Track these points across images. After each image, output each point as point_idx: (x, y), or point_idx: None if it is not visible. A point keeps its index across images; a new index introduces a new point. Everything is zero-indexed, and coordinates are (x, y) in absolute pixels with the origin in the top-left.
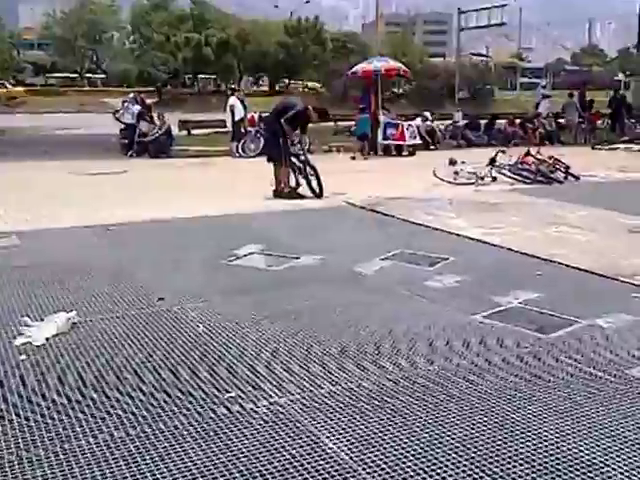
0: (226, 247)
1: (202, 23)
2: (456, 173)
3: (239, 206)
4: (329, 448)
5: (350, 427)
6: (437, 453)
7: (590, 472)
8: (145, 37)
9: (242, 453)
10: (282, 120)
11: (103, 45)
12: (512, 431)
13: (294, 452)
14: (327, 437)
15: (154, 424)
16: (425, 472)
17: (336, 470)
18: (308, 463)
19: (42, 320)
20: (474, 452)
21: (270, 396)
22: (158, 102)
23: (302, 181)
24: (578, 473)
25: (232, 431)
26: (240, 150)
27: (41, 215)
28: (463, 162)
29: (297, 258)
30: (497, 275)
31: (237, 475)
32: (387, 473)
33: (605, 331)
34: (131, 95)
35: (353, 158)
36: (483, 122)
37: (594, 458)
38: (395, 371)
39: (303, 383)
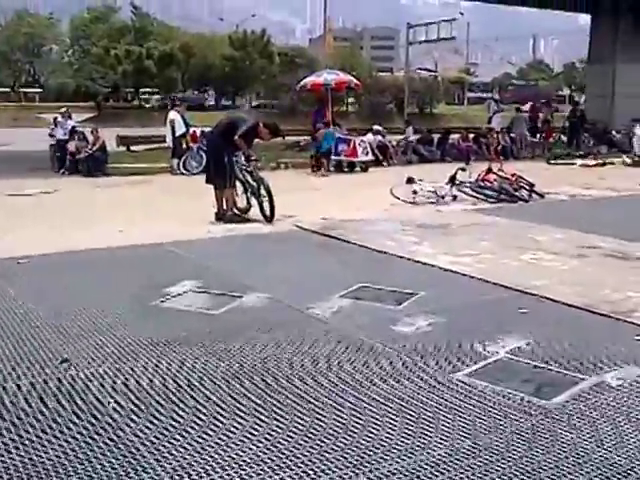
0: (157, 284)
1: (144, 36)
2: (415, 192)
3: (176, 232)
4: None
5: None
6: None
7: None
8: (85, 50)
9: None
10: (236, 137)
11: (41, 59)
12: None
13: None
14: None
15: None
16: None
17: None
18: None
19: None
20: None
21: None
22: (97, 117)
23: (254, 202)
24: None
25: None
26: (181, 167)
27: None
28: (421, 180)
29: (240, 297)
30: (475, 315)
31: None
32: None
33: (618, 394)
34: (63, 110)
35: (322, 174)
36: (436, 137)
37: None
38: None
39: None
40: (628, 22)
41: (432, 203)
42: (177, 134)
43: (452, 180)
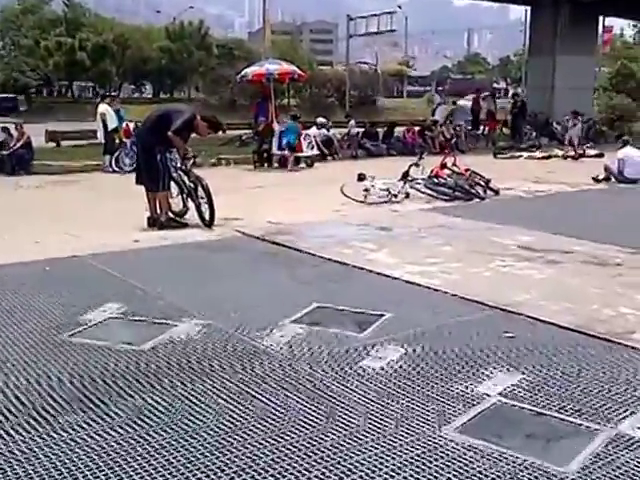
0: (72, 310)
1: (76, 27)
2: (367, 191)
3: (101, 241)
4: None
5: None
6: None
7: None
8: (14, 42)
9: None
10: (170, 132)
11: None
12: None
13: None
14: None
15: None
16: None
17: None
18: None
19: None
20: None
21: None
22: (26, 111)
23: (191, 204)
24: None
25: None
26: (114, 165)
27: None
28: (373, 177)
29: (172, 325)
30: (454, 342)
31: None
32: None
33: None
34: None
35: (290, 169)
36: (380, 130)
37: None
38: None
39: None
40: (567, 14)
41: (385, 202)
42: (109, 129)
43: (405, 177)
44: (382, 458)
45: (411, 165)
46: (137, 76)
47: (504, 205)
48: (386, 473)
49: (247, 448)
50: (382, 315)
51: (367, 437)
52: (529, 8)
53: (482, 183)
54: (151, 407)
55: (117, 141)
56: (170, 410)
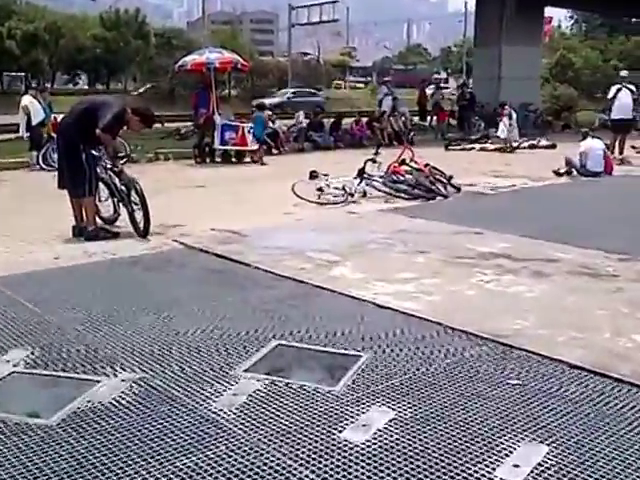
0: None
1: (6, 15)
2: (320, 190)
3: (12, 258)
4: None
5: None
6: None
7: None
8: None
9: None
10: (99, 130)
11: None
12: None
13: None
14: None
15: None
16: None
17: None
18: None
19: None
20: None
21: None
22: None
23: (123, 210)
24: None
25: None
26: (41, 162)
27: None
28: (326, 175)
29: (94, 382)
30: (451, 395)
31: None
32: None
33: None
34: None
35: (262, 163)
36: (326, 121)
37: None
38: None
39: None
40: (513, 4)
41: (341, 202)
42: (34, 122)
43: (361, 174)
44: None
45: (367, 161)
46: (71, 66)
47: (469, 203)
48: None
49: None
50: (358, 356)
51: None
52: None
53: (443, 180)
54: None
55: (45, 136)
56: None
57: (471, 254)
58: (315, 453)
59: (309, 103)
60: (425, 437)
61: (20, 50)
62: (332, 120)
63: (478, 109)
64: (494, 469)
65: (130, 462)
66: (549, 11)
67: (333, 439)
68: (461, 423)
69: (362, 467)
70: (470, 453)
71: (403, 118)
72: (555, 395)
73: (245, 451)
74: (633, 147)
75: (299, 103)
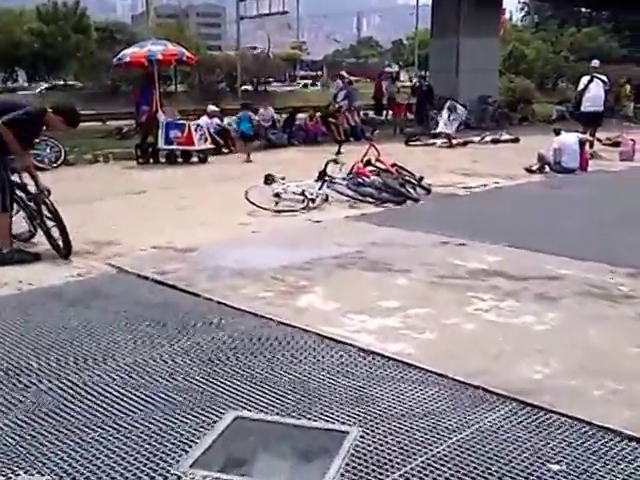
0: None
1: None
2: (277, 196)
3: None
4: None
5: None
6: None
7: None
8: None
9: None
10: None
11: None
12: None
13: None
14: None
15: None
16: None
17: None
18: None
19: None
20: None
21: None
22: None
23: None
24: None
25: None
26: None
27: None
28: (283, 178)
29: None
30: None
31: None
32: None
33: None
34: None
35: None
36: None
37: None
38: None
39: None
40: None
41: (302, 209)
42: None
43: (322, 176)
44: None
45: (328, 162)
46: (8, 63)
47: (443, 208)
48: None
49: None
50: (344, 433)
51: None
52: None
53: (413, 181)
54: None
55: None
56: None
57: (460, 272)
58: None
59: None
60: None
61: None
62: (286, 116)
63: (436, 102)
64: None
65: None
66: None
67: None
68: None
69: None
70: None
71: (357, 111)
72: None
73: None
74: (599, 140)
75: None
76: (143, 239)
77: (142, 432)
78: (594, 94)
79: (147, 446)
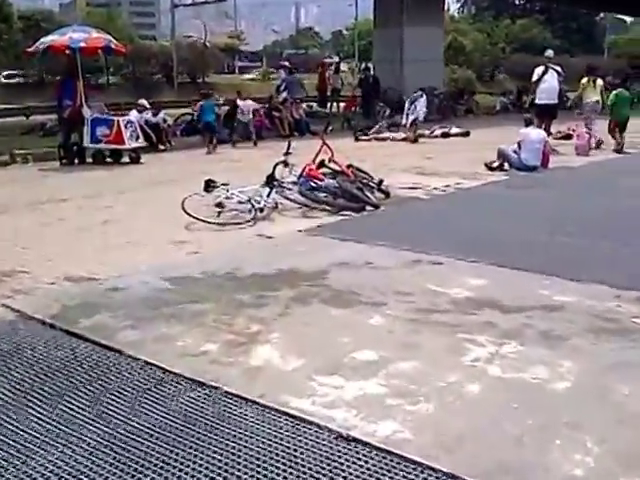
0: None
1: None
2: (220, 205)
3: None
4: None
5: None
6: None
7: None
8: None
9: None
10: None
11: None
12: None
13: None
14: None
15: None
16: None
17: None
18: None
19: None
20: None
21: None
22: None
23: None
24: None
25: None
26: None
27: None
28: (226, 184)
29: None
30: None
31: None
32: None
33: None
34: None
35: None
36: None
37: None
38: None
39: None
40: None
41: (249, 221)
42: None
43: (270, 181)
44: None
45: (277, 164)
46: None
47: (407, 215)
48: None
49: None
50: None
51: None
52: None
53: (371, 184)
54: None
55: None
56: None
57: (442, 303)
58: None
59: None
60: None
61: None
62: (226, 109)
63: (382, 95)
64: None
65: None
66: None
67: None
68: None
69: None
70: None
71: (304, 105)
72: None
73: None
74: (550, 133)
75: None
76: (57, 267)
77: None
78: (549, 86)
79: None
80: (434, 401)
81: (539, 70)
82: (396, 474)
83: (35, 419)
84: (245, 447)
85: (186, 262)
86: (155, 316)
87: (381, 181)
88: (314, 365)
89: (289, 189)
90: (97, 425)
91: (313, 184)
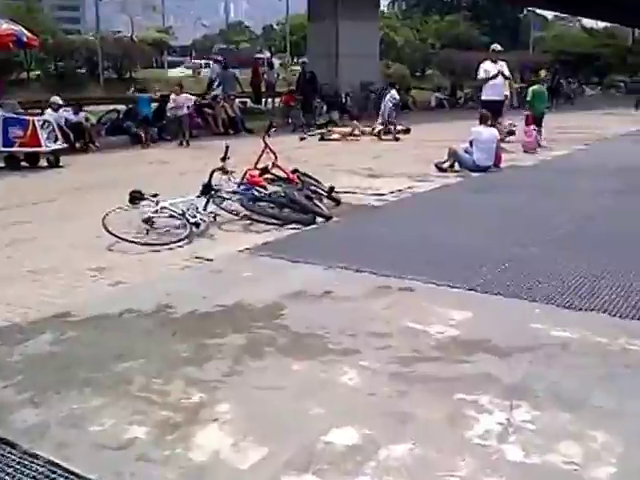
0: None
1: None
2: (149, 222)
3: None
4: None
5: None
6: None
7: None
8: None
9: None
10: None
11: None
12: None
13: None
14: None
15: None
16: None
17: None
18: None
19: None
20: None
21: None
22: None
23: None
24: None
25: None
26: None
27: None
28: (156, 196)
29: None
30: None
31: None
32: None
33: None
34: None
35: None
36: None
37: None
38: None
39: None
40: None
41: (182, 239)
42: None
43: (207, 190)
44: None
45: (213, 172)
46: None
47: (362, 228)
48: None
49: None
50: None
51: None
52: None
53: (320, 191)
54: None
55: None
56: None
57: (427, 348)
58: None
59: None
60: None
61: None
62: (156, 105)
63: (319, 90)
64: None
65: None
66: None
67: None
68: None
69: None
70: None
71: (238, 102)
72: None
73: None
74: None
75: None
76: None
77: None
78: (495, 82)
79: None
80: None
81: (487, 66)
82: None
83: None
84: None
85: (107, 297)
86: (64, 383)
87: (332, 188)
88: (280, 458)
89: (229, 199)
90: None
91: (256, 193)
